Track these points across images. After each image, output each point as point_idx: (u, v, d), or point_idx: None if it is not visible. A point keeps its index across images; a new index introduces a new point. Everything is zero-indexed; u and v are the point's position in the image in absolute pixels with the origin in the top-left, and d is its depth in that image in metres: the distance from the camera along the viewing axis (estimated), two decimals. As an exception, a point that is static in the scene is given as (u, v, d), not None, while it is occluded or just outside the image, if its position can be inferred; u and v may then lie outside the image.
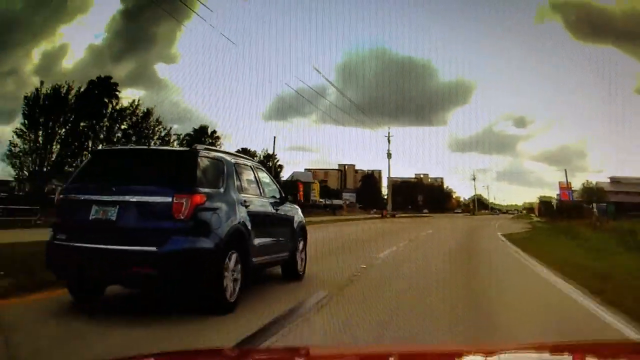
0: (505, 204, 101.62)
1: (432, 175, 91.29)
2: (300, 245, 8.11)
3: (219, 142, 46.37)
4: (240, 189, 6.38)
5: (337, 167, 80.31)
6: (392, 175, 73.16)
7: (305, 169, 73.67)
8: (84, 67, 48.78)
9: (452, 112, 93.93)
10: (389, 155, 59.23)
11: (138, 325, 4.92)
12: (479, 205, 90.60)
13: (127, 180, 5.60)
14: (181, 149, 5.99)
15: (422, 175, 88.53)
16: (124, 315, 5.48)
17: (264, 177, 7.51)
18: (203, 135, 46.71)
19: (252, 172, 7.07)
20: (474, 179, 79.82)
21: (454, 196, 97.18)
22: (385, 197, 76.91)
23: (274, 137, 60.26)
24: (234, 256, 5.76)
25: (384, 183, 79.03)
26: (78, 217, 5.55)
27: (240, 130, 78.34)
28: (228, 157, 6.49)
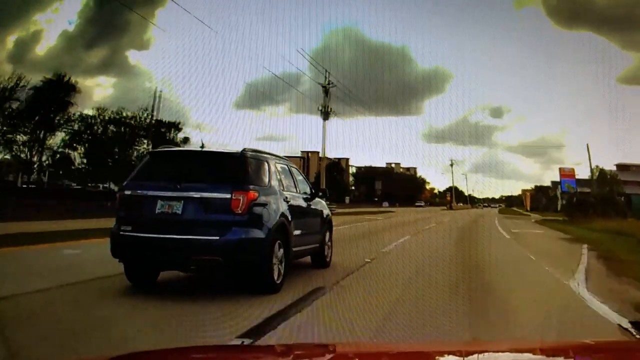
0: (482, 197, 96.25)
1: (405, 164, 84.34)
2: (328, 237, 8.95)
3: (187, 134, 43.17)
4: (281, 186, 7.21)
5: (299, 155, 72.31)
6: (362, 165, 68.80)
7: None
8: (57, 55, 48.14)
9: (428, 101, 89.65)
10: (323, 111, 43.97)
11: (191, 304, 5.75)
12: (456, 197, 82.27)
13: (186, 178, 6.40)
14: (233, 151, 6.76)
15: (393, 165, 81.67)
16: (178, 296, 6.31)
17: (297, 174, 8.34)
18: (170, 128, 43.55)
19: (288, 170, 7.89)
20: (451, 165, 72.69)
21: (427, 187, 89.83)
22: (353, 186, 73.43)
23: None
24: (279, 244, 6.59)
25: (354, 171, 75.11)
26: (144, 210, 6.35)
27: (213, 118, 75.77)
28: (269, 158, 7.31)
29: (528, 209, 63.64)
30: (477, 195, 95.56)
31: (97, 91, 65.43)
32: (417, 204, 73.58)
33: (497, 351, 2.15)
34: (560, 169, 54.30)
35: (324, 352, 2.23)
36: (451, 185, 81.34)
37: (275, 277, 6.46)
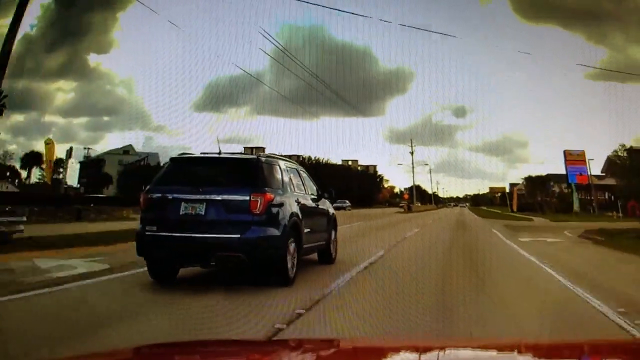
0: (447, 196, 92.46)
1: (363, 162, 76.04)
2: (333, 235, 9.56)
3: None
4: (293, 188, 7.81)
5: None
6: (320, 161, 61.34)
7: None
8: (18, 58, 48.20)
9: (390, 102, 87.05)
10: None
11: (214, 296, 6.32)
12: (419, 196, 73.49)
13: (207, 182, 6.98)
14: (249, 156, 7.38)
15: (350, 162, 73.26)
16: (199, 290, 6.86)
17: (306, 177, 8.95)
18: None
19: (297, 174, 8.50)
20: (411, 152, 65.63)
21: (386, 185, 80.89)
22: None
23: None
24: (292, 241, 7.19)
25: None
26: (168, 212, 6.93)
27: (173, 121, 75.01)
28: (281, 162, 7.92)
29: (514, 209, 51.64)
30: (441, 194, 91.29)
31: (58, 95, 64.78)
32: (338, 202, 39.09)
33: (497, 349, 2.14)
34: (565, 152, 39.54)
35: (331, 346, 2.25)
36: (412, 184, 71.61)
37: (290, 272, 7.06)
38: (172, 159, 7.70)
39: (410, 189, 70.17)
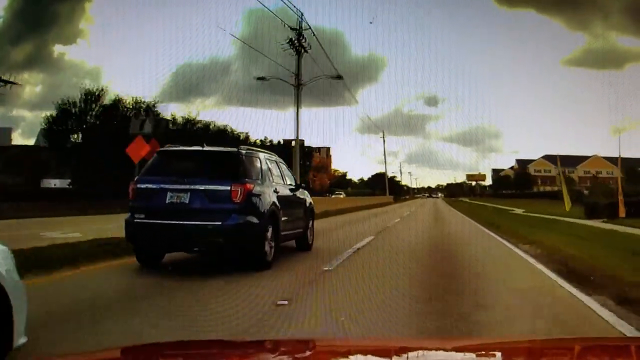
0: (417, 186, 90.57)
1: (315, 143, 65.54)
2: (310, 223, 10.18)
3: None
4: (271, 178, 8.40)
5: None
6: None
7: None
8: None
9: (362, 90, 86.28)
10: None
11: (200, 281, 6.83)
12: (379, 186, 65.67)
13: (191, 173, 7.54)
14: (230, 149, 7.93)
15: (292, 140, 61.40)
16: (186, 275, 7.45)
17: (284, 168, 9.54)
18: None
19: (276, 165, 9.08)
20: (383, 137, 63.52)
21: (332, 170, 71.25)
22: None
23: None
24: (270, 229, 7.79)
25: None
26: (155, 201, 7.47)
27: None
28: (261, 154, 8.49)
29: (568, 205, 26.81)
30: (410, 183, 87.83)
31: (26, 88, 63.66)
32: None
33: (490, 348, 2.10)
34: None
35: (307, 348, 2.23)
36: (383, 171, 65.85)
37: (268, 257, 7.66)
38: (158, 152, 8.22)
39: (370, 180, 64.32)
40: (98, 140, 33.25)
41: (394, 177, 76.20)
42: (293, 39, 26.51)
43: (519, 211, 34.10)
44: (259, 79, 28.80)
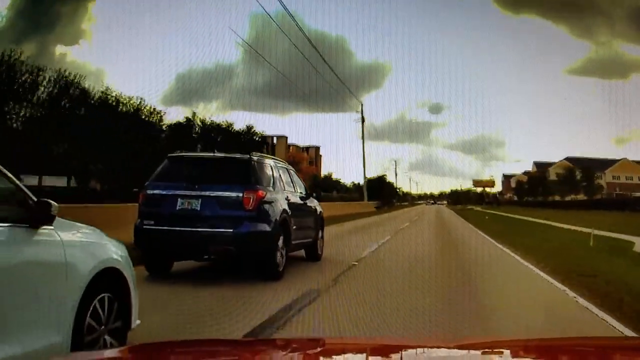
0: (417, 193, 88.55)
1: (301, 141, 61.85)
2: (320, 233, 10.02)
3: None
4: (283, 186, 8.27)
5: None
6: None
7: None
8: None
9: (365, 97, 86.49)
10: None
11: (210, 288, 6.72)
12: (377, 192, 56.27)
13: (202, 179, 7.41)
14: (242, 156, 7.81)
15: (275, 139, 56.67)
16: (194, 282, 7.29)
17: (294, 176, 9.41)
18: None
19: (287, 173, 8.96)
20: (361, 111, 54.64)
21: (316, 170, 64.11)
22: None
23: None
24: (281, 237, 7.64)
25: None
26: (165, 207, 7.34)
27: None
28: (272, 161, 8.37)
29: None
30: (411, 189, 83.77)
31: None
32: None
33: (491, 347, 2.10)
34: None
35: (318, 345, 2.24)
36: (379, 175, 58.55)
37: (279, 266, 7.51)
38: (168, 157, 8.10)
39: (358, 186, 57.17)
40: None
41: (384, 175, 67.01)
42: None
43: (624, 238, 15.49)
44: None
